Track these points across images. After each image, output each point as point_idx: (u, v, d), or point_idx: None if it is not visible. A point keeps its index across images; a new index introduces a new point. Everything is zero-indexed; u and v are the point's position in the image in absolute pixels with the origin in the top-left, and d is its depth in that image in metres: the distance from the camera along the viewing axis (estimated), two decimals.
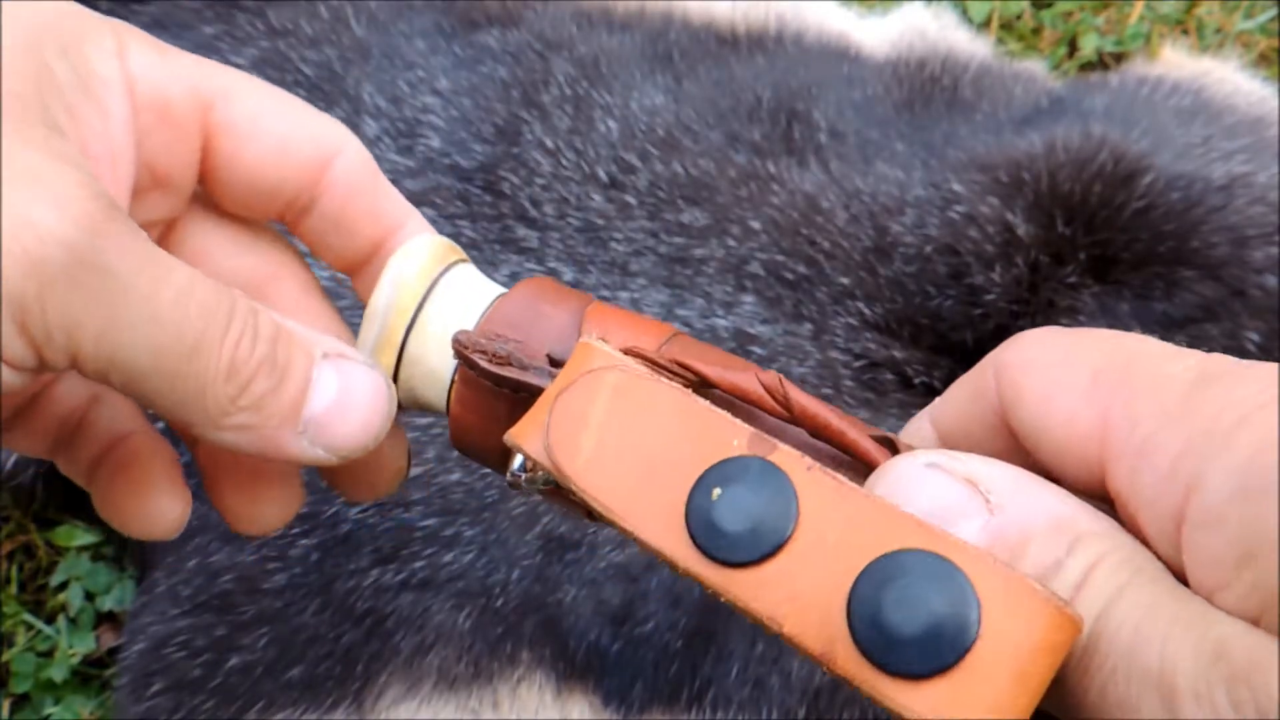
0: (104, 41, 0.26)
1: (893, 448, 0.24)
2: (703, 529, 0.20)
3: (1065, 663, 0.20)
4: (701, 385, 0.25)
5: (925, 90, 0.66)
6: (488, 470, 0.55)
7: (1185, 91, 0.65)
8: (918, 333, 0.58)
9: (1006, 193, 0.58)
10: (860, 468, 0.24)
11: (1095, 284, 0.58)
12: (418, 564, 0.54)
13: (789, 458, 0.21)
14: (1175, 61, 0.72)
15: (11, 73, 0.23)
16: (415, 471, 0.55)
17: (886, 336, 0.58)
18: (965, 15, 0.84)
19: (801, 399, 0.24)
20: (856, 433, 0.24)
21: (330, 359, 0.27)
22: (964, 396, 0.25)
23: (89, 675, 0.64)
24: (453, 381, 0.29)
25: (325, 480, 0.32)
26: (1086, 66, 0.85)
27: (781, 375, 0.25)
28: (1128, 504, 0.21)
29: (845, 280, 0.58)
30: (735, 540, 0.20)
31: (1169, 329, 0.57)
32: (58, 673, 0.63)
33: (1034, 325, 0.57)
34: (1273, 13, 0.86)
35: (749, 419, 0.25)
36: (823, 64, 0.67)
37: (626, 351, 0.26)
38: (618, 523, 0.22)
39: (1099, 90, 0.67)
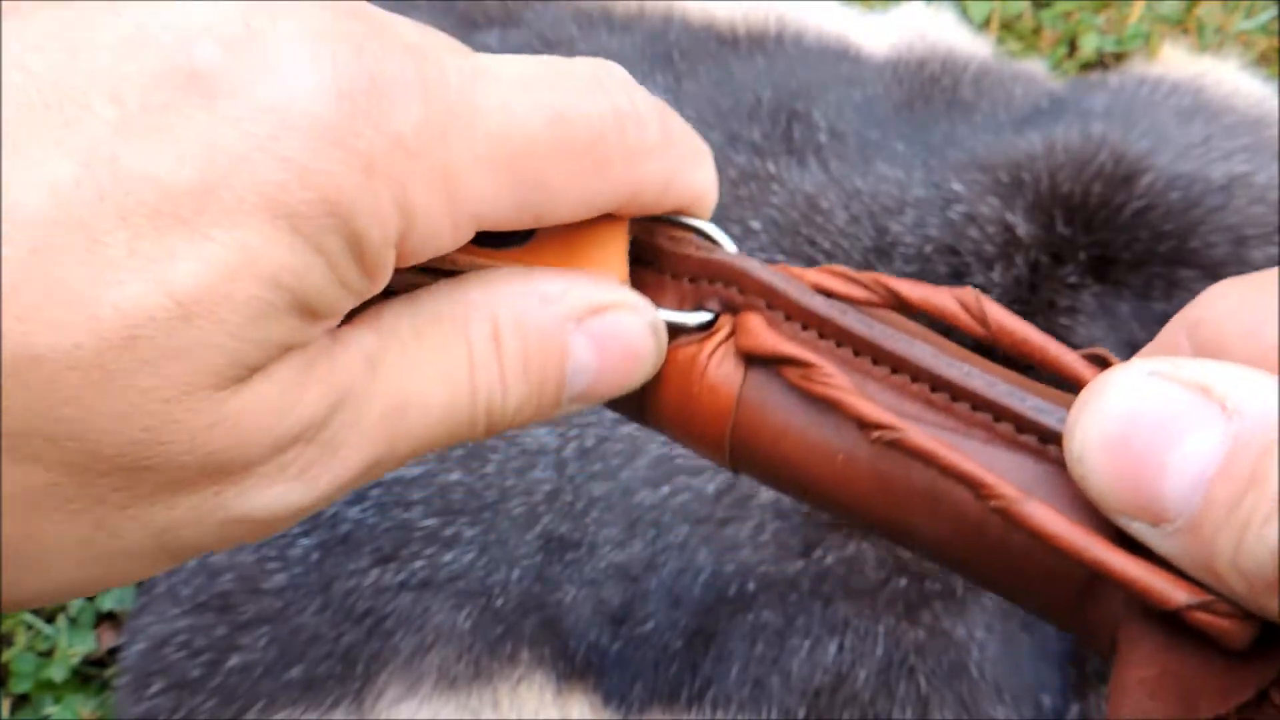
0: None
1: (1104, 365, 0.23)
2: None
3: None
4: (898, 305, 0.25)
5: (925, 90, 0.66)
6: (488, 470, 0.56)
7: (1185, 91, 0.65)
8: None
9: (1006, 193, 0.58)
10: (1062, 390, 0.23)
11: (1095, 284, 0.58)
12: (418, 564, 0.54)
13: None
14: (1175, 61, 0.72)
15: None
16: (415, 471, 0.55)
17: None
18: (965, 15, 0.84)
19: (999, 315, 0.24)
20: (1059, 348, 0.23)
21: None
22: None
23: (89, 675, 0.64)
24: None
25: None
26: (1086, 66, 0.85)
27: (978, 291, 0.24)
28: None
29: None
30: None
31: None
32: (58, 672, 0.63)
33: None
34: (1273, 12, 0.86)
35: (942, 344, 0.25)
36: (823, 64, 0.67)
37: (825, 270, 0.25)
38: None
39: (1099, 90, 0.67)
